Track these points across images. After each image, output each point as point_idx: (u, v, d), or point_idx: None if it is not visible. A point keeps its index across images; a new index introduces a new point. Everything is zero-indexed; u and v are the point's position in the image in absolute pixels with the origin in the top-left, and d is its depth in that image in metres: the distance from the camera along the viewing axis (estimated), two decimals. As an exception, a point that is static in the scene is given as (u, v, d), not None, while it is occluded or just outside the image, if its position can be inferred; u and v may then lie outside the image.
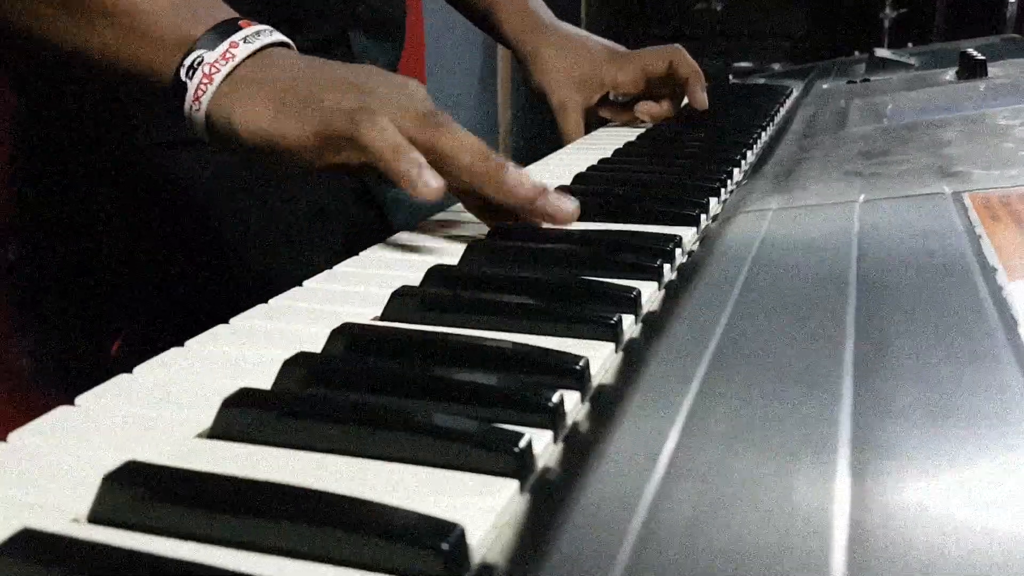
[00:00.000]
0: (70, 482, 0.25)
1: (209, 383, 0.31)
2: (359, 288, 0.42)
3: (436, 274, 0.42)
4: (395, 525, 0.22)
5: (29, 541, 0.21)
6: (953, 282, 0.35)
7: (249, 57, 0.50)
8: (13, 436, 0.28)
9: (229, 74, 0.50)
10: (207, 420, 0.28)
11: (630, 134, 0.86)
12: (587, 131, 0.93)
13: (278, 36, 0.53)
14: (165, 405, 0.30)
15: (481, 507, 0.23)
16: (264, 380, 0.31)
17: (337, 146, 0.48)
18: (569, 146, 0.87)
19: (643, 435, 0.26)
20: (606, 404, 0.30)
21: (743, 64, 2.28)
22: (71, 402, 0.30)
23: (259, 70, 0.50)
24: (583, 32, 0.96)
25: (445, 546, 0.21)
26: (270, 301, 0.40)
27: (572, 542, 0.21)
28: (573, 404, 0.29)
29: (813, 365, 0.29)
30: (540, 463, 0.26)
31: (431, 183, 0.46)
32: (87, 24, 0.52)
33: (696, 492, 0.23)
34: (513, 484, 0.24)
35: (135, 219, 0.74)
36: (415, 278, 0.42)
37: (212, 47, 0.50)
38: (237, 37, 0.50)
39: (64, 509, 0.24)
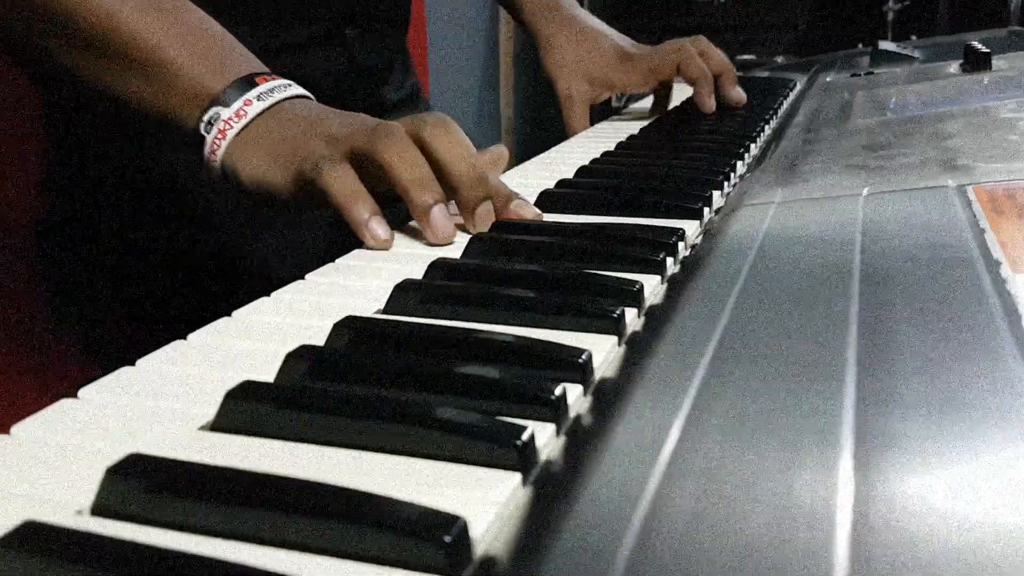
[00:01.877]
0: (73, 475, 0.25)
1: (212, 376, 0.31)
2: (362, 281, 0.42)
3: (438, 267, 0.42)
4: (398, 518, 0.22)
5: (32, 533, 0.21)
6: (957, 275, 0.35)
7: (261, 114, 0.53)
8: (16, 428, 0.28)
9: (241, 130, 0.53)
10: (210, 413, 0.28)
11: (633, 127, 0.86)
12: (591, 123, 0.93)
13: (295, 90, 0.55)
14: (168, 398, 0.30)
15: (483, 500, 0.23)
16: (267, 373, 0.31)
17: (310, 191, 0.50)
18: (572, 140, 0.87)
19: (646, 428, 0.26)
20: (608, 397, 0.30)
21: (746, 57, 2.27)
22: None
23: (266, 126, 0.53)
24: (600, 27, 0.94)
25: (447, 539, 0.21)
26: (272, 294, 0.40)
27: (574, 535, 0.21)
28: (575, 397, 0.29)
29: (816, 358, 0.29)
30: (542, 456, 0.26)
31: (378, 234, 0.47)
32: (120, 71, 0.55)
33: (699, 485, 0.23)
34: (515, 477, 0.24)
35: (140, 212, 0.74)
36: (418, 271, 0.41)
37: (228, 104, 0.53)
38: (252, 95, 0.53)
39: (67, 502, 0.24)
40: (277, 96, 0.54)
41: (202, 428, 0.28)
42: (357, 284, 0.42)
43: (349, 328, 0.34)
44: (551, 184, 0.59)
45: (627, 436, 0.26)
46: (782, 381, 0.28)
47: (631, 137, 0.81)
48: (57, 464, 0.26)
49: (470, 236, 0.47)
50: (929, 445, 0.24)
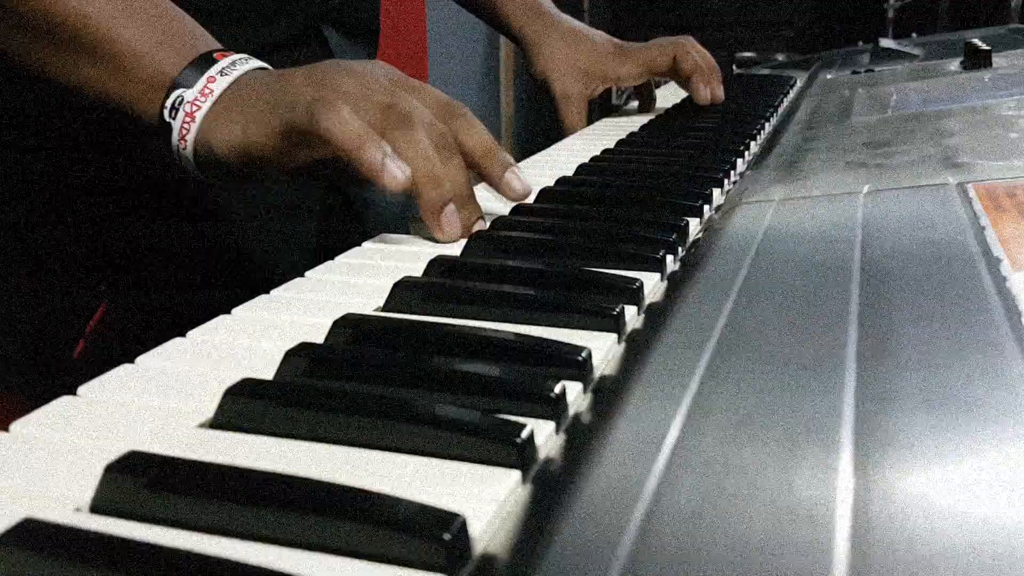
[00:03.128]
0: (72, 472, 0.25)
1: (211, 373, 0.31)
2: (361, 279, 0.42)
3: (438, 265, 0.41)
4: (397, 515, 0.22)
5: (31, 530, 0.21)
6: (957, 272, 0.35)
7: (227, 88, 0.51)
8: (15, 426, 0.28)
9: (210, 108, 0.50)
10: (209, 410, 0.28)
11: (633, 125, 0.86)
12: (588, 122, 0.93)
13: (254, 63, 0.53)
14: (167, 395, 0.30)
15: (483, 497, 0.23)
16: (266, 370, 0.31)
17: (302, 142, 0.48)
18: (572, 136, 0.87)
19: (645, 426, 0.26)
20: (608, 395, 0.30)
21: (747, 54, 2.27)
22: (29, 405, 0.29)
23: (236, 95, 0.50)
24: (587, 26, 0.96)
25: (447, 536, 0.21)
26: (272, 292, 0.40)
27: (574, 533, 0.21)
28: (575, 395, 0.29)
29: (816, 355, 0.29)
30: (542, 454, 0.26)
31: (397, 175, 0.45)
32: (70, 57, 0.52)
33: (698, 482, 0.23)
34: (515, 475, 0.24)
35: (99, 212, 0.71)
36: (417, 269, 0.41)
37: (191, 84, 0.50)
38: (214, 71, 0.51)
39: (66, 499, 0.24)
40: (240, 68, 0.51)
41: (201, 425, 0.28)
42: (356, 281, 0.42)
43: (348, 326, 0.34)
44: (551, 182, 0.59)
45: (627, 434, 0.26)
46: (782, 379, 0.28)
47: (631, 135, 0.81)
48: (56, 461, 0.26)
49: (470, 234, 0.47)
50: (929, 442, 0.24)
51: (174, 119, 0.51)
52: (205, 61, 0.51)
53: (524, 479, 0.25)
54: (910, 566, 0.19)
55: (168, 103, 0.51)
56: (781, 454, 0.24)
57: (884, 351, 0.29)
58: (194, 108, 0.50)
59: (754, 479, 0.23)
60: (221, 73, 0.51)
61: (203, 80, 0.50)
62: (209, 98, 0.50)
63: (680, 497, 0.22)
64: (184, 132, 0.50)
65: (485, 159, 0.51)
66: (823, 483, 0.22)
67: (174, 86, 0.51)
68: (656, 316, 0.36)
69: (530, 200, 0.55)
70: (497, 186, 0.51)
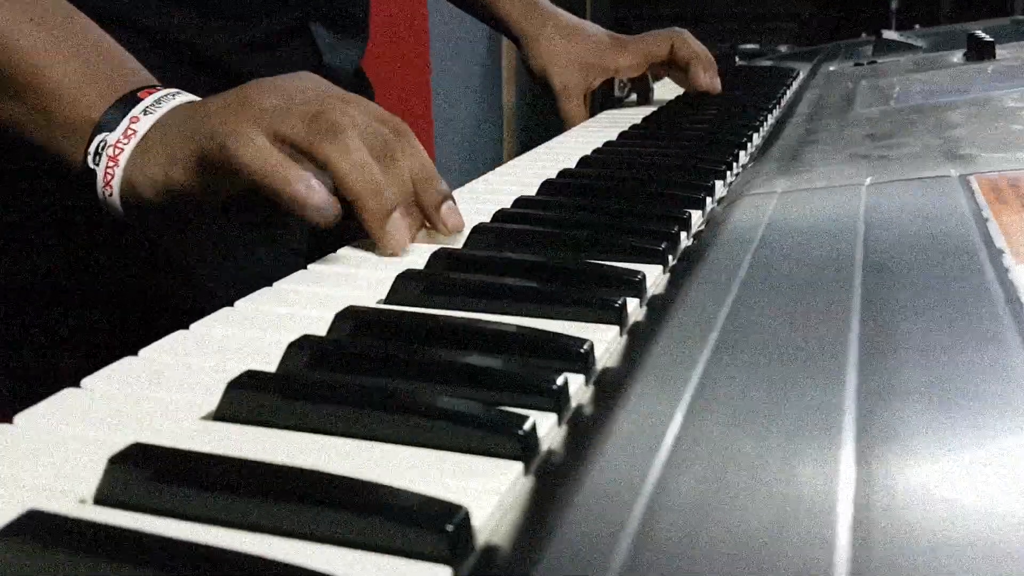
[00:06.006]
0: (76, 464, 0.25)
1: (214, 366, 0.31)
2: (363, 271, 0.42)
3: (440, 257, 0.41)
4: (400, 507, 0.22)
5: (35, 522, 0.21)
6: (959, 264, 0.35)
7: (152, 127, 0.47)
8: (19, 418, 0.28)
9: (134, 150, 0.47)
10: (212, 402, 0.28)
11: (634, 117, 0.86)
12: (591, 115, 0.93)
13: (183, 97, 0.49)
14: (170, 387, 0.30)
15: (485, 489, 0.23)
16: (269, 363, 0.31)
17: (219, 174, 0.44)
18: (573, 130, 0.87)
19: (647, 418, 0.26)
20: (610, 387, 0.30)
21: (749, 46, 2.26)
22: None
23: (159, 133, 0.47)
24: (582, 20, 0.96)
25: (449, 528, 0.21)
26: (275, 284, 0.40)
27: (576, 525, 0.22)
28: (577, 387, 0.29)
29: (818, 348, 0.29)
30: (544, 446, 0.26)
31: (322, 205, 0.41)
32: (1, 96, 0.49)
33: (700, 475, 0.23)
34: (517, 467, 0.25)
35: (84, 223, 0.67)
36: (419, 261, 0.41)
37: (113, 127, 0.47)
38: (137, 110, 0.47)
39: (70, 491, 0.24)
40: (165, 106, 0.47)
41: (204, 418, 0.28)
42: (358, 274, 0.42)
43: (351, 318, 0.34)
44: (553, 174, 0.59)
45: (629, 426, 0.26)
46: (784, 371, 0.28)
47: (633, 127, 0.81)
48: (60, 453, 0.26)
49: (472, 226, 0.47)
50: (931, 434, 0.24)
51: (98, 165, 0.47)
52: (128, 101, 0.48)
53: (526, 471, 0.25)
54: (912, 558, 0.19)
55: (91, 148, 0.47)
56: (783, 446, 0.24)
57: (886, 343, 0.29)
58: (117, 151, 0.46)
59: (756, 471, 0.23)
60: (145, 112, 0.47)
61: (126, 121, 0.47)
62: (132, 139, 0.46)
63: (682, 489, 0.22)
64: (108, 178, 0.47)
65: (422, 185, 0.46)
66: (825, 475, 0.22)
67: (97, 130, 0.47)
68: (658, 308, 0.36)
69: (532, 192, 0.55)
70: (431, 217, 0.47)
